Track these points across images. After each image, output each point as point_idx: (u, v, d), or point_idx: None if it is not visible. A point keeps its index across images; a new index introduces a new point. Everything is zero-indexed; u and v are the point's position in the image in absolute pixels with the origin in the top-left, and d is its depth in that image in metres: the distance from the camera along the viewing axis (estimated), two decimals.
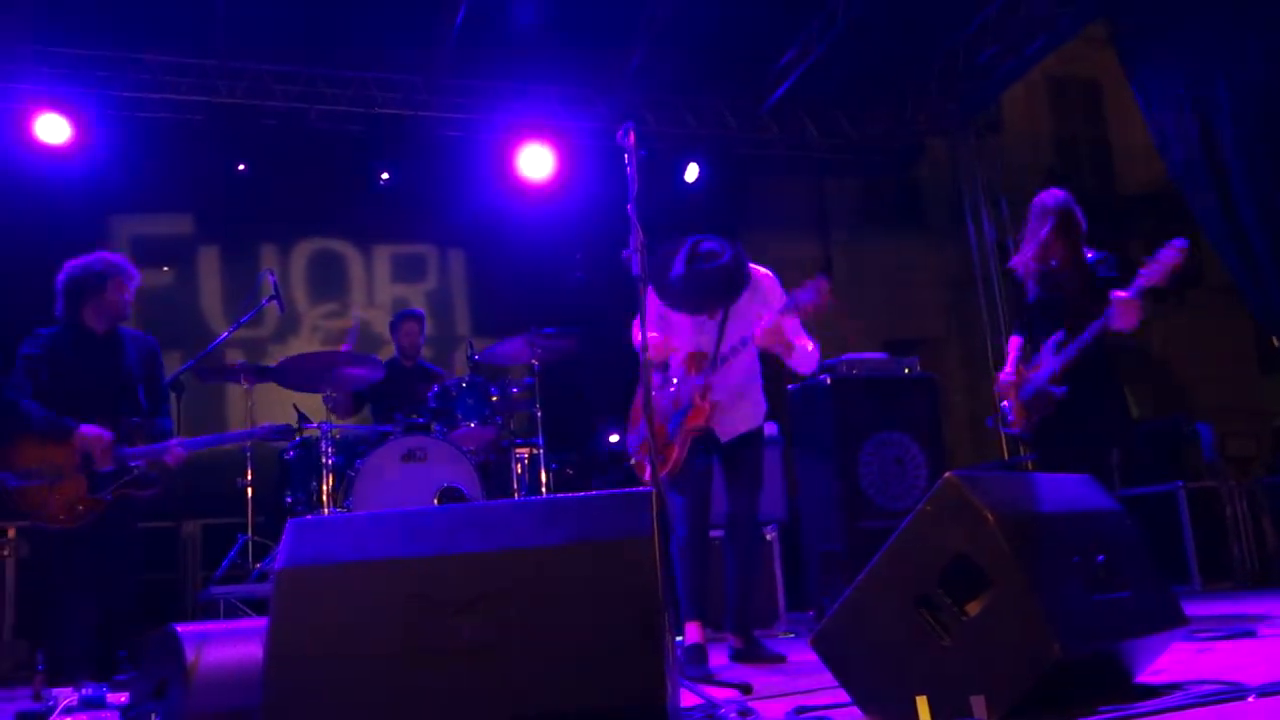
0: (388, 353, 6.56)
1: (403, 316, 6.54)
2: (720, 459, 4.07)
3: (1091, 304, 4.25)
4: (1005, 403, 4.60)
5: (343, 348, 5.51)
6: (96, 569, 4.41)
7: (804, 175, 9.99)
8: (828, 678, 2.40)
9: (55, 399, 4.38)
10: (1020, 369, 4.55)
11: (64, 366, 4.45)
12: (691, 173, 8.35)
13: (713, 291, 3.91)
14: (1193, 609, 2.95)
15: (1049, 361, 4.38)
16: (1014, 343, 4.67)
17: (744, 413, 4.05)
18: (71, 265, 4.58)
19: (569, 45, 7.67)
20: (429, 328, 8.62)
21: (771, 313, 3.85)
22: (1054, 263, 4.44)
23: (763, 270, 4.13)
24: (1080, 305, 4.31)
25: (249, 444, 5.24)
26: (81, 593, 4.38)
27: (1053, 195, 4.50)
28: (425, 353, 6.78)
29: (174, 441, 4.56)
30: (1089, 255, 4.43)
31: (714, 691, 2.78)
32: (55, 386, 4.40)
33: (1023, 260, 4.58)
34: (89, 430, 4.30)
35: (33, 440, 4.32)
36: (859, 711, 2.28)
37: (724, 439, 4.02)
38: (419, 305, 8.59)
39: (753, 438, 4.08)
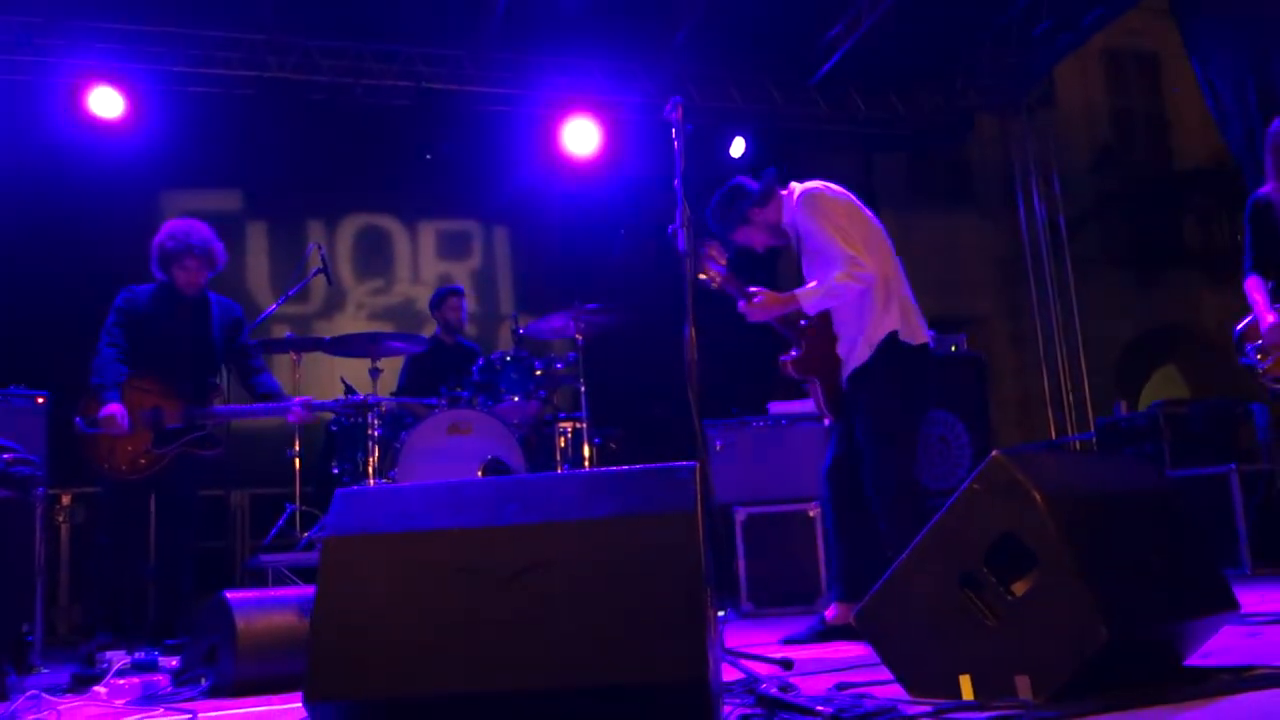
0: (428, 330, 6.60)
1: (445, 292, 6.55)
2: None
3: None
4: (1251, 345, 4.23)
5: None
6: (157, 527, 4.60)
7: (851, 151, 9.89)
8: (870, 654, 2.39)
9: (141, 355, 4.56)
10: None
11: (153, 324, 4.63)
12: (737, 148, 8.29)
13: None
14: (1243, 593, 2.90)
15: None
16: (1255, 283, 4.27)
17: (845, 357, 3.80)
18: (163, 228, 4.72)
19: (614, 20, 7.63)
20: (473, 305, 8.71)
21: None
22: None
23: (799, 192, 3.87)
24: None
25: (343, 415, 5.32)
26: (138, 548, 4.57)
27: None
28: (470, 329, 6.83)
29: (297, 401, 4.80)
30: None
31: (756, 666, 2.78)
32: (143, 342, 4.59)
33: (1269, 191, 4.24)
34: (109, 411, 4.38)
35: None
36: (901, 689, 2.27)
37: (844, 385, 3.82)
38: (463, 282, 8.66)
39: (852, 380, 3.77)
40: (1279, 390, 4.18)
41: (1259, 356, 4.22)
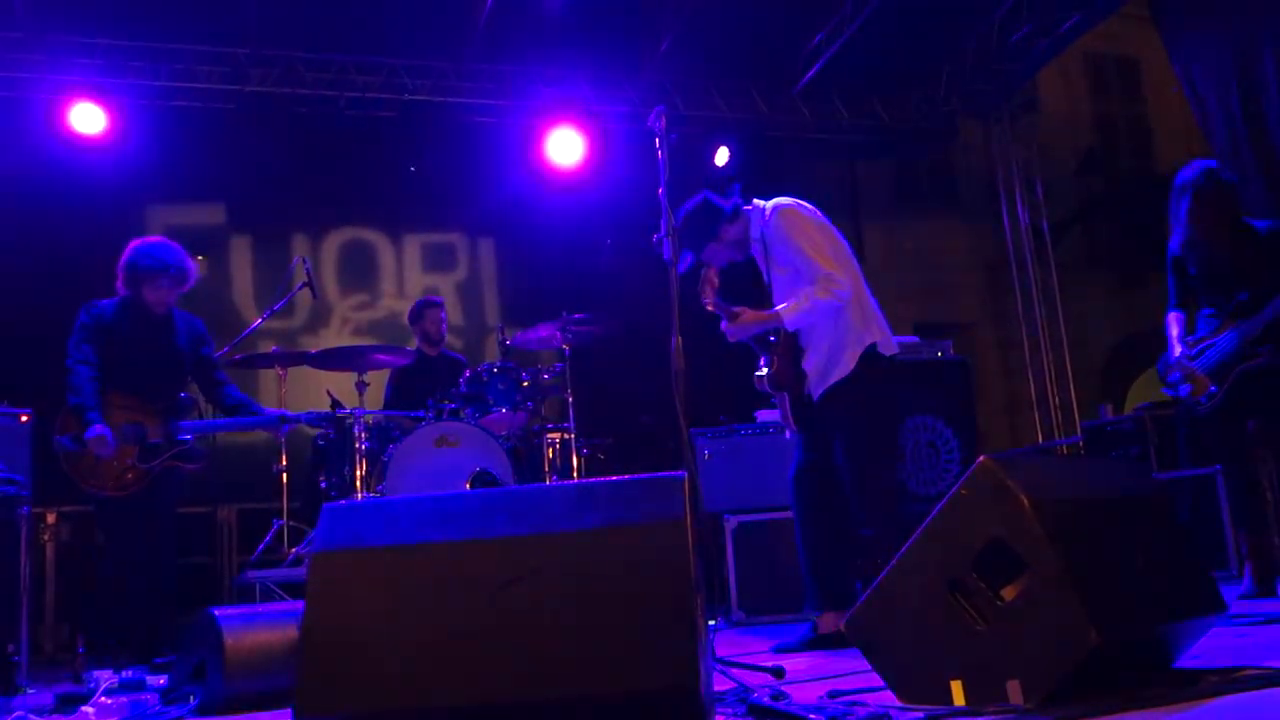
0: (413, 344, 6.57)
1: (424, 304, 6.56)
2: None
3: (1264, 270, 4.16)
4: (1174, 375, 4.45)
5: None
6: (143, 542, 4.57)
7: (836, 158, 9.92)
8: (861, 662, 2.38)
9: (112, 371, 4.55)
10: (1188, 342, 4.42)
11: (120, 340, 4.61)
12: (722, 156, 8.30)
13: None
14: (1232, 594, 2.91)
15: (1230, 332, 4.25)
16: (1174, 318, 4.51)
17: (817, 371, 3.85)
18: (135, 248, 4.71)
19: (598, 29, 7.64)
20: (459, 317, 8.69)
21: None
22: (1202, 239, 4.29)
23: (770, 207, 3.92)
24: (1249, 274, 4.20)
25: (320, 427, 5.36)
26: (131, 566, 4.55)
27: (1186, 169, 4.35)
28: (456, 341, 6.80)
29: (274, 414, 4.87)
30: (1258, 225, 4.28)
31: (747, 675, 2.78)
32: (111, 358, 4.57)
33: (1177, 240, 4.44)
34: (95, 432, 4.37)
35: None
36: (892, 695, 2.26)
37: (815, 399, 3.88)
38: (449, 294, 8.65)
39: (831, 393, 3.82)
40: (1203, 407, 4.38)
41: (1181, 380, 4.45)
